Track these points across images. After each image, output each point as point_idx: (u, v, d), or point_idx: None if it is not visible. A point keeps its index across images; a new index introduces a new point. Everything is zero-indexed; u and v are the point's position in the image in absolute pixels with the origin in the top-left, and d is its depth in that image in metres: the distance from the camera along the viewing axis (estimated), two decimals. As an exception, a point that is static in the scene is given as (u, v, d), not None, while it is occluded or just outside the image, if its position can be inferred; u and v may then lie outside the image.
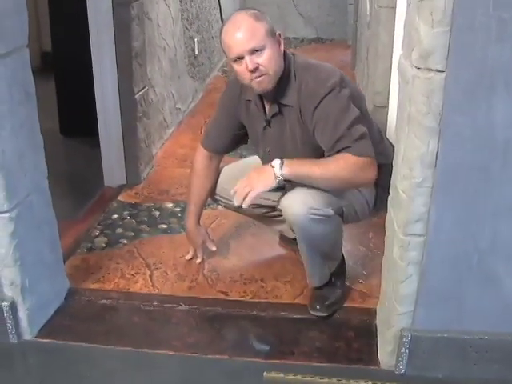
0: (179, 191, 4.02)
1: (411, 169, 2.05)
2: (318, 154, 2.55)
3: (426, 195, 2.07)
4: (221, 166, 3.02)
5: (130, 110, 3.95)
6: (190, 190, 3.07)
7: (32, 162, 2.51)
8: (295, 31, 8.84)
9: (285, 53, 2.58)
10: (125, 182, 4.08)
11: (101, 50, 3.77)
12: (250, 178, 2.55)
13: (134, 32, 3.85)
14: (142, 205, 3.85)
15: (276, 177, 2.47)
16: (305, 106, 2.52)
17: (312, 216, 2.48)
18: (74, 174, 4.40)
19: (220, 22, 7.06)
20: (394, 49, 3.66)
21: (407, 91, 2.04)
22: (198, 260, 3.16)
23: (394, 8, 3.67)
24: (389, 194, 2.37)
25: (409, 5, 2.06)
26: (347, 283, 2.94)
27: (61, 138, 4.92)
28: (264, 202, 2.84)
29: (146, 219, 3.67)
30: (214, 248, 3.16)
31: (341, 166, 2.44)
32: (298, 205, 2.49)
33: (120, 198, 3.95)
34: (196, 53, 5.96)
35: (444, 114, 1.95)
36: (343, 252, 2.88)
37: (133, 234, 3.50)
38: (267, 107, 2.67)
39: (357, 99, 2.58)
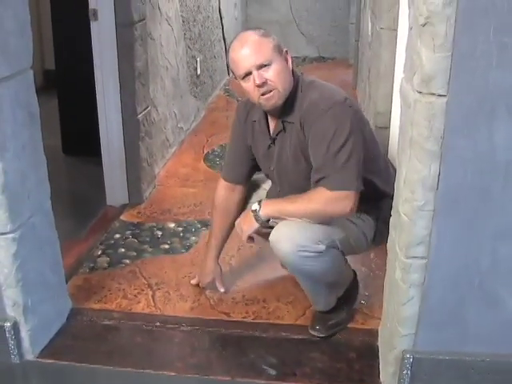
0: (181, 211, 4.03)
1: (413, 192, 2.06)
2: None
3: (428, 218, 2.07)
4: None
5: (132, 129, 3.96)
6: (212, 224, 3.06)
7: (35, 183, 2.52)
8: (297, 50, 8.86)
9: (293, 71, 2.57)
10: (127, 202, 4.09)
11: (104, 70, 3.79)
12: (238, 224, 2.70)
13: (137, 52, 3.88)
14: (145, 224, 3.86)
15: (257, 219, 2.57)
16: (305, 119, 2.51)
17: (301, 253, 2.46)
18: (76, 193, 4.41)
19: (222, 41, 7.11)
20: (395, 70, 3.68)
21: (409, 115, 2.05)
22: (201, 285, 3.14)
23: (396, 30, 3.69)
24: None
25: (410, 29, 2.07)
26: (349, 304, 2.94)
27: (63, 157, 4.95)
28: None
29: (148, 239, 3.67)
30: (222, 290, 3.09)
31: (315, 202, 2.47)
32: (286, 242, 2.48)
33: (122, 217, 3.96)
34: (198, 72, 5.99)
35: (445, 138, 1.96)
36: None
37: (135, 253, 3.50)
38: (272, 126, 2.67)
39: (359, 122, 2.55)
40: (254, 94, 2.49)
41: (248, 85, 2.48)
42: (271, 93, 2.47)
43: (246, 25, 8.88)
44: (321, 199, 2.45)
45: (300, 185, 2.61)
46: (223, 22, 7.14)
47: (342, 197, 2.42)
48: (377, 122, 4.02)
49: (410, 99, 2.04)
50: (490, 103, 1.92)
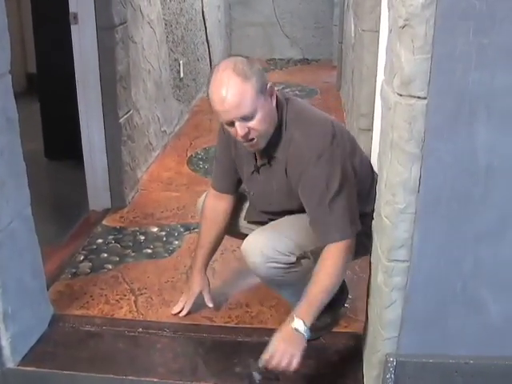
0: (164, 215, 4.01)
1: (394, 194, 2.05)
2: (301, 206, 2.49)
3: (409, 221, 2.06)
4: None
5: (114, 133, 3.94)
6: (199, 235, 2.97)
7: (14, 189, 2.49)
8: (281, 52, 8.90)
9: (278, 101, 2.45)
10: (110, 206, 4.07)
11: (85, 74, 3.77)
12: (281, 350, 2.32)
13: (119, 56, 3.86)
14: (127, 229, 3.84)
15: (305, 338, 2.34)
16: (292, 166, 2.44)
17: (270, 264, 2.44)
18: (58, 198, 4.40)
19: (206, 43, 7.09)
20: (378, 72, 3.68)
21: (389, 117, 2.05)
22: (183, 313, 2.95)
23: (378, 32, 3.69)
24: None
25: (390, 31, 2.07)
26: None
27: (45, 161, 4.93)
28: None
29: (130, 244, 3.66)
30: (210, 305, 2.94)
31: (333, 272, 2.39)
32: (255, 253, 2.46)
33: (105, 222, 3.94)
34: (181, 75, 5.97)
35: (426, 141, 1.95)
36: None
37: (117, 258, 3.48)
38: (258, 155, 2.57)
39: (348, 155, 2.46)
40: (237, 139, 2.41)
41: (231, 130, 2.39)
42: (254, 140, 2.38)
43: (230, 28, 8.89)
44: (335, 266, 2.38)
45: (283, 211, 2.61)
46: (206, 24, 7.12)
47: (346, 248, 2.39)
48: (359, 124, 4.02)
49: (390, 102, 2.03)
50: (469, 105, 1.91)
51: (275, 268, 2.46)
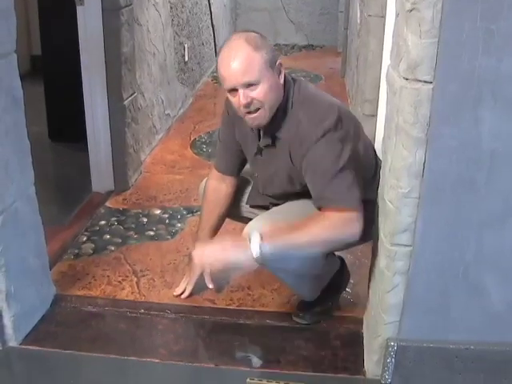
0: (167, 197, 4.02)
1: (398, 179, 2.05)
2: (304, 189, 2.48)
3: (413, 205, 2.06)
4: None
5: (118, 115, 3.94)
6: (200, 217, 2.96)
7: (19, 169, 2.50)
8: (286, 38, 8.88)
9: (286, 80, 2.44)
10: (113, 188, 4.08)
11: (90, 56, 3.76)
12: (217, 246, 2.39)
13: (124, 38, 3.85)
14: (130, 211, 3.85)
15: (253, 257, 2.27)
16: (296, 148, 2.42)
17: None
18: (61, 179, 4.40)
19: (211, 28, 7.07)
20: (383, 58, 3.67)
21: (395, 101, 2.04)
22: (185, 295, 2.95)
23: (384, 17, 3.68)
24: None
25: (397, 15, 2.06)
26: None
27: (49, 143, 4.93)
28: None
29: (133, 226, 3.66)
30: (210, 286, 2.70)
31: (323, 228, 2.30)
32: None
33: (108, 203, 3.94)
34: (186, 59, 5.96)
35: (431, 125, 1.95)
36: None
37: (120, 240, 3.49)
38: (262, 135, 2.55)
39: (352, 139, 2.42)
40: (239, 110, 2.39)
41: (234, 99, 2.38)
42: (256, 112, 2.37)
43: (235, 12, 8.86)
44: (329, 223, 2.29)
45: (285, 193, 2.61)
46: (212, 8, 7.10)
47: (350, 218, 2.29)
48: (364, 109, 4.02)
49: (395, 86, 2.03)
50: (475, 90, 1.91)
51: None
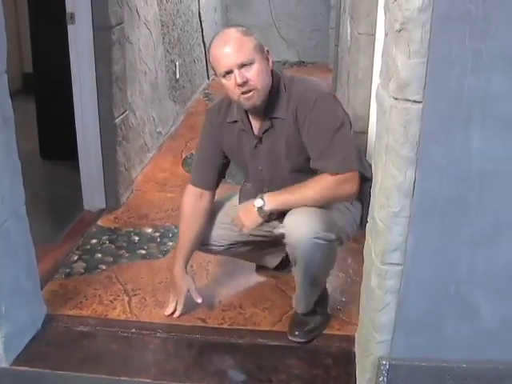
0: (159, 216, 4.01)
1: (388, 198, 2.06)
2: (308, 164, 2.60)
3: (404, 224, 2.07)
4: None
5: (109, 134, 3.94)
6: (180, 234, 2.96)
7: (9, 188, 2.49)
8: (277, 54, 8.87)
9: (273, 71, 2.61)
10: (104, 207, 4.06)
11: (81, 74, 3.77)
12: (238, 219, 2.69)
13: (115, 56, 3.86)
14: (122, 229, 3.84)
15: (261, 214, 2.57)
16: (298, 112, 2.56)
17: (316, 240, 2.47)
18: (53, 198, 4.39)
19: (202, 45, 7.09)
20: (373, 75, 3.68)
21: (385, 121, 2.05)
22: (177, 314, 2.95)
23: (374, 35, 3.69)
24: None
25: (386, 35, 2.07)
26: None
27: (40, 161, 4.91)
28: (259, 233, 2.78)
29: (125, 244, 3.65)
30: (199, 300, 2.92)
31: (322, 187, 2.51)
32: (303, 228, 2.47)
33: (99, 222, 3.93)
34: (177, 76, 5.97)
35: (421, 144, 1.95)
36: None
37: (111, 259, 3.48)
38: (256, 125, 2.67)
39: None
40: (234, 93, 2.51)
41: (229, 83, 2.50)
42: (251, 92, 2.50)
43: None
44: (327, 183, 2.50)
45: (295, 179, 2.62)
46: (203, 25, 7.12)
47: (348, 178, 2.50)
48: (355, 126, 4.01)
49: (385, 105, 2.04)
50: (465, 110, 1.92)
51: (317, 244, 2.48)
